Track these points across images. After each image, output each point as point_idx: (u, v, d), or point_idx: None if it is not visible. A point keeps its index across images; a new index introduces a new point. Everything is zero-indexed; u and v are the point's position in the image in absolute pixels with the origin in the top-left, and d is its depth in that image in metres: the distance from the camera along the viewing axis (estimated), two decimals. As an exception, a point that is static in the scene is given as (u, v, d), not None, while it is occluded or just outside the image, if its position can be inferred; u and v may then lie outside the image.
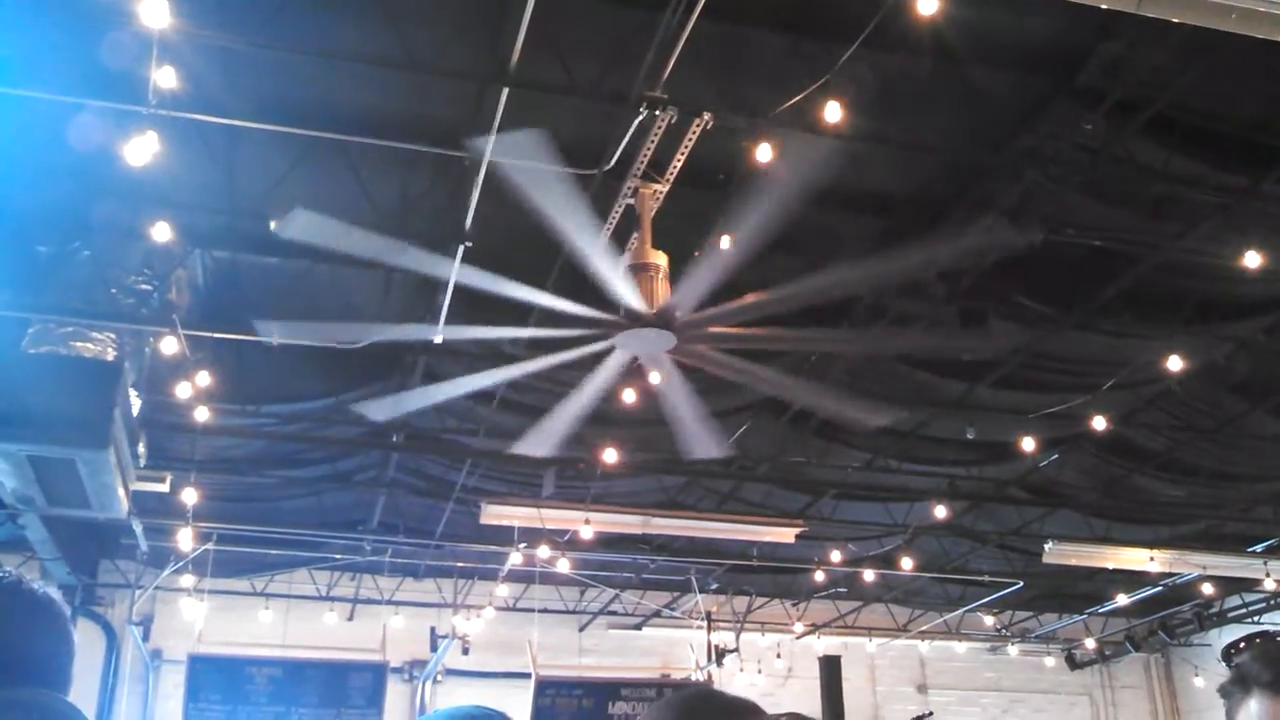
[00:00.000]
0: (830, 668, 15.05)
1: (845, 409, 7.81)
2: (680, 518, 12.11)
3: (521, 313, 6.92)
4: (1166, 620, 16.79)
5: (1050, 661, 18.03)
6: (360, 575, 15.16)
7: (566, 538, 12.69)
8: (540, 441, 7.49)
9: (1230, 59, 6.28)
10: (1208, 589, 15.04)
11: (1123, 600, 15.70)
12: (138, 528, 11.92)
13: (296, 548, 13.76)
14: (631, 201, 6.88)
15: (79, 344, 7.74)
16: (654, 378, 7.05)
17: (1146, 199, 7.70)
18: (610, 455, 10.26)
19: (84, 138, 6.42)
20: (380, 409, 7.84)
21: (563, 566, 13.41)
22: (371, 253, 6.30)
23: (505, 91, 6.07)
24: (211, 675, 13.26)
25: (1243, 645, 15.14)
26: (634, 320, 6.13)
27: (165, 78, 5.90)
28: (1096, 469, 12.00)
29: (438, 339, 7.56)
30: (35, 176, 7.10)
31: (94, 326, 7.78)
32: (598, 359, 6.58)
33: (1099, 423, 10.30)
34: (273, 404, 10.23)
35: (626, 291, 6.02)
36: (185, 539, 11.87)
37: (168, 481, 10.37)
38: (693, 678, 15.57)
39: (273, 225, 6.37)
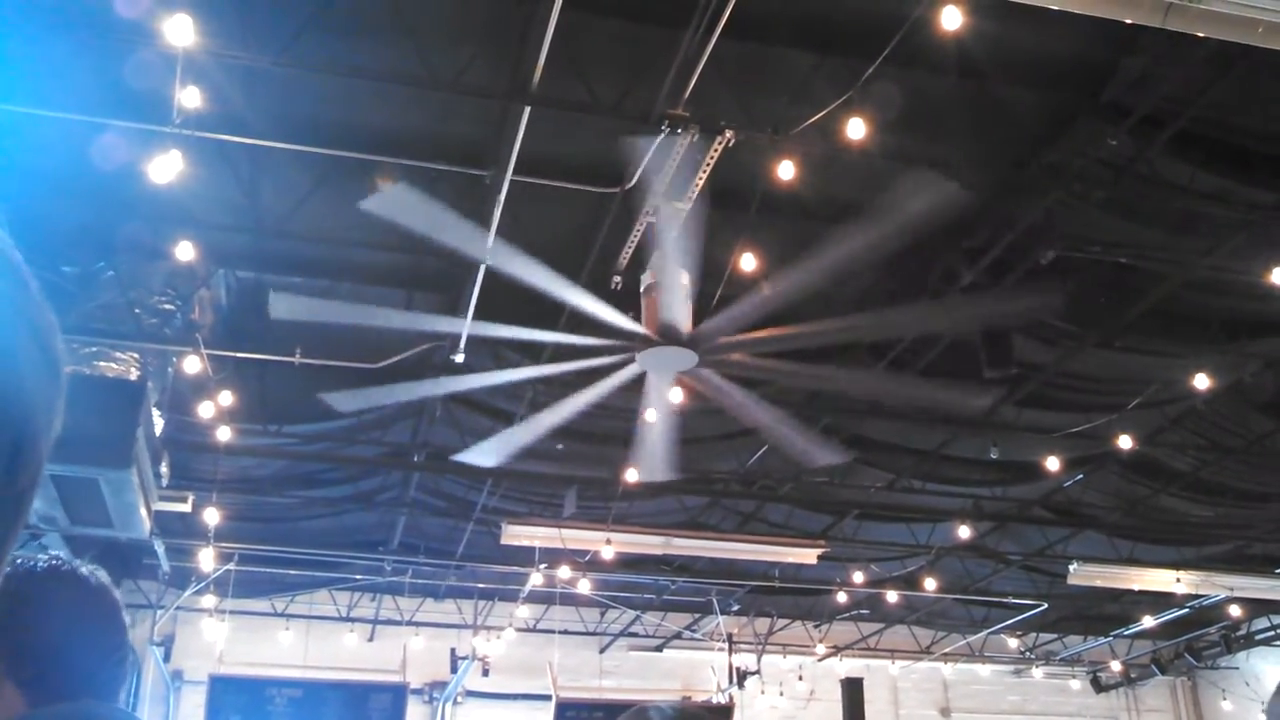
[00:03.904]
0: (853, 690, 14.94)
1: (942, 393, 7.67)
2: (702, 538, 12.05)
3: (548, 326, 6.90)
4: (1193, 643, 16.61)
5: (1075, 684, 17.87)
6: (381, 596, 15.16)
7: (587, 558, 12.64)
8: (649, 469, 7.49)
9: (1256, 74, 6.24)
10: (1235, 611, 14.88)
11: (1148, 622, 15.55)
12: (159, 548, 11.94)
13: (317, 568, 13.77)
14: (653, 220, 6.87)
15: (103, 364, 7.76)
16: (676, 395, 7.02)
17: (1172, 215, 7.65)
18: (632, 475, 10.22)
19: (109, 157, 6.46)
20: (482, 455, 7.72)
21: (583, 587, 13.36)
22: (362, 320, 6.34)
23: (527, 110, 6.08)
24: (232, 696, 13.23)
25: None
26: (646, 341, 6.12)
27: (189, 97, 5.93)
28: (1121, 489, 11.90)
29: (460, 352, 7.56)
30: (60, 196, 7.14)
31: (118, 346, 7.81)
32: (604, 373, 6.55)
33: (1124, 442, 10.21)
34: (295, 424, 10.24)
35: (621, 317, 6.00)
36: (207, 559, 11.89)
37: (190, 501, 10.38)
38: (714, 700, 15.46)
39: (269, 308, 6.44)
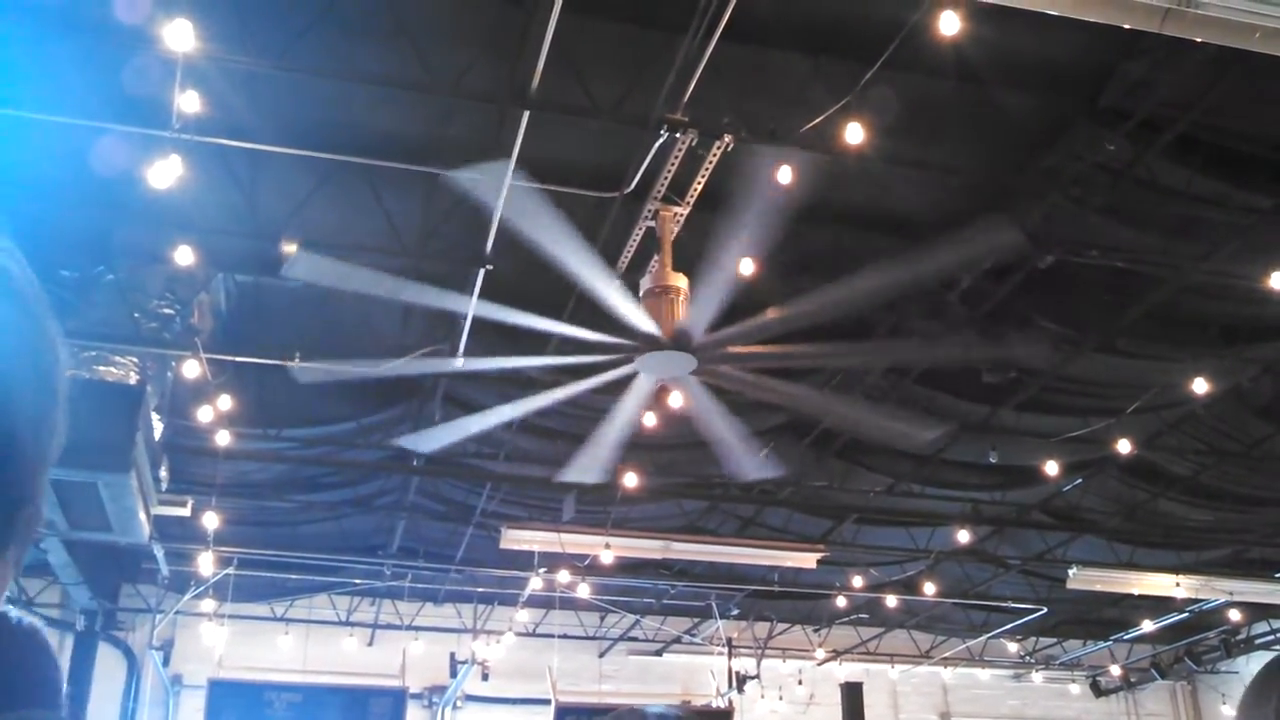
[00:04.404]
0: (852, 694, 14.93)
1: (891, 424, 7.68)
2: (701, 543, 12.05)
3: (544, 335, 6.91)
4: (1193, 647, 16.60)
5: (1075, 689, 17.85)
6: (380, 600, 15.14)
7: (587, 563, 12.64)
8: (586, 469, 7.45)
9: (1254, 78, 6.25)
10: (1235, 615, 14.87)
11: (1148, 626, 15.54)
12: (159, 552, 11.93)
13: (317, 572, 13.77)
14: (652, 224, 6.88)
15: (102, 368, 7.77)
16: (676, 400, 7.02)
17: (1170, 220, 7.66)
18: (631, 479, 10.23)
19: (108, 162, 6.46)
20: (423, 441, 7.75)
21: (583, 592, 13.36)
22: (380, 291, 6.32)
23: (526, 114, 6.08)
24: (231, 700, 13.21)
25: None
26: (652, 343, 6.12)
27: (189, 102, 5.94)
28: (1121, 493, 11.90)
29: (460, 359, 7.55)
30: (60, 200, 7.15)
31: (117, 350, 7.82)
32: (623, 383, 6.56)
33: (1123, 446, 10.22)
34: (294, 428, 10.24)
35: (638, 315, 6.00)
36: (206, 563, 11.88)
37: (189, 505, 10.38)
38: (714, 704, 15.46)
39: (283, 269, 6.39)
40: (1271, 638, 15.79)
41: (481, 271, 7.21)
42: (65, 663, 13.24)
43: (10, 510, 0.75)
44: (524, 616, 15.12)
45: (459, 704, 15.34)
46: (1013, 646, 16.93)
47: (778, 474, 8.15)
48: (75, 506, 7.98)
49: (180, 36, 5.55)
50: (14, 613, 1.83)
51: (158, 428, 8.42)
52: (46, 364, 0.76)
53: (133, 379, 7.87)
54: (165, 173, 6.07)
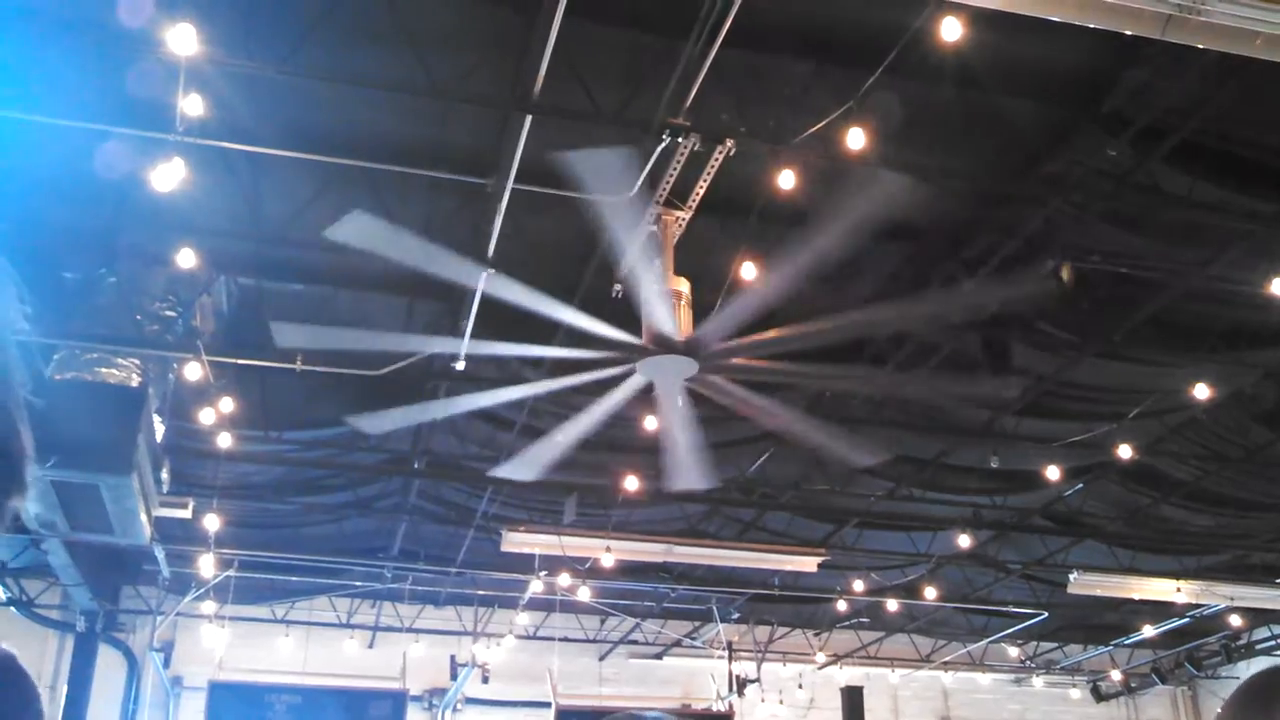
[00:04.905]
0: (852, 699, 14.94)
1: (840, 447, 7.63)
2: (702, 546, 12.05)
3: (544, 339, 6.91)
4: (1193, 652, 16.59)
5: (1075, 694, 17.84)
6: (380, 602, 15.14)
7: (587, 566, 12.64)
8: (528, 467, 7.36)
9: (1256, 85, 6.25)
10: (1235, 620, 14.86)
11: (1149, 631, 15.53)
12: (160, 553, 11.94)
13: (317, 574, 13.77)
14: (654, 228, 6.88)
15: (104, 370, 7.78)
16: (661, 404, 7.00)
17: (1172, 226, 7.66)
18: (632, 483, 10.23)
19: (111, 165, 6.47)
20: (373, 423, 7.66)
21: (583, 595, 13.36)
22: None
23: (528, 119, 6.09)
24: (232, 702, 13.23)
25: None
26: (662, 347, 6.10)
27: (192, 105, 5.95)
28: (1122, 498, 11.89)
29: (461, 360, 7.55)
30: (63, 203, 7.16)
31: (119, 352, 7.83)
32: (612, 384, 6.53)
33: (1124, 451, 10.22)
34: (295, 430, 10.25)
35: (661, 317, 5.98)
36: (207, 565, 11.89)
37: (190, 507, 10.39)
38: (714, 708, 15.46)
39: (327, 230, 6.33)
40: (1272, 643, 15.78)
41: (484, 275, 7.19)
42: (65, 664, 13.26)
43: None
44: (524, 619, 15.11)
45: (459, 706, 15.34)
46: (1013, 651, 16.92)
47: (709, 486, 7.99)
48: (77, 508, 7.99)
49: (183, 40, 5.56)
50: None
51: (159, 429, 8.43)
52: None
53: (134, 381, 7.88)
54: (168, 175, 6.08)
